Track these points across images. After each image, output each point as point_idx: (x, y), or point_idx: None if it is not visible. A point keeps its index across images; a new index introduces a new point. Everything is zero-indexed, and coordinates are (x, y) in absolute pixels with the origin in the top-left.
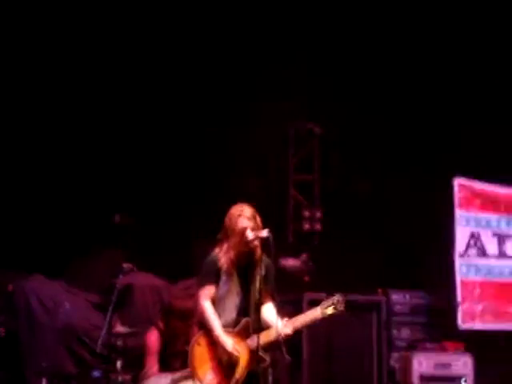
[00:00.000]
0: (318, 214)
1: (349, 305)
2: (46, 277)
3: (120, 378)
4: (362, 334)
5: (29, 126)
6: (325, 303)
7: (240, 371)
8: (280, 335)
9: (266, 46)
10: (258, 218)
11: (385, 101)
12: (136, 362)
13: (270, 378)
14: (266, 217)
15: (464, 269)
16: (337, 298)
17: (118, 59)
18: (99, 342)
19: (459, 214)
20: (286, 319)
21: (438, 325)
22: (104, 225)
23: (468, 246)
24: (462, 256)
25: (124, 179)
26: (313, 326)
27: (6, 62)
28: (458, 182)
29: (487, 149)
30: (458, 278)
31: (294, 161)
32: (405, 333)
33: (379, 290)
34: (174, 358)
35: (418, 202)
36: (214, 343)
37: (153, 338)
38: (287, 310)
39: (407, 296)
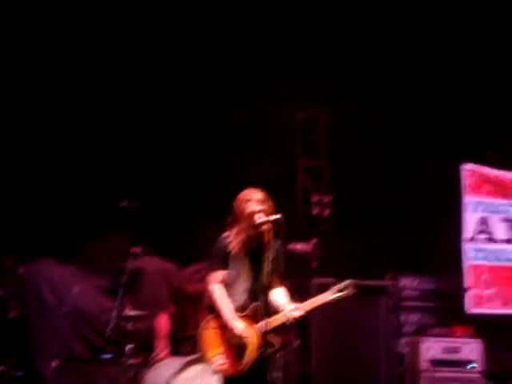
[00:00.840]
0: (327, 199)
1: (358, 289)
2: (56, 261)
3: (130, 362)
4: (371, 319)
5: (39, 110)
6: (334, 288)
7: (250, 355)
8: (289, 319)
9: (276, 32)
10: (270, 202)
11: (393, 85)
12: (146, 346)
13: (280, 361)
14: (276, 202)
15: (472, 254)
16: (346, 282)
17: (126, 47)
18: (109, 325)
19: (468, 199)
20: (295, 303)
21: (447, 310)
22: (113, 209)
23: (476, 232)
24: (470, 241)
25: (134, 163)
26: (322, 310)
27: (9, 52)
28: (466, 168)
29: (496, 134)
30: (467, 263)
31: (303, 146)
32: (413, 318)
33: (388, 275)
34: (184, 341)
35: (428, 188)
36: (224, 327)
37: (163, 322)
38: (296, 294)
39: (416, 281)
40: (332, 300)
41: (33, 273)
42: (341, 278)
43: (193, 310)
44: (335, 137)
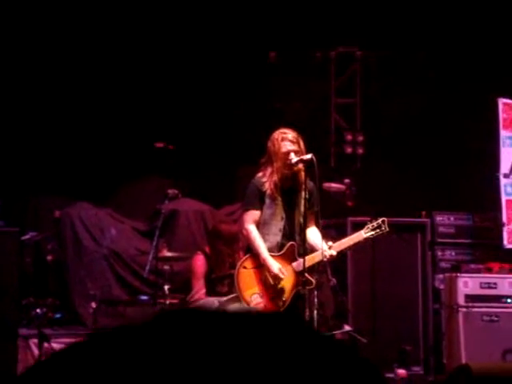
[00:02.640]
0: (360, 138)
1: (392, 227)
2: (93, 204)
3: (167, 303)
4: (407, 256)
5: (73, 63)
6: (369, 226)
7: (286, 293)
8: (325, 257)
9: None
10: (302, 142)
11: (427, 22)
12: (183, 287)
13: (316, 300)
14: (309, 141)
15: (509, 189)
16: (379, 220)
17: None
18: (146, 267)
19: (504, 134)
20: (330, 242)
21: (483, 246)
22: (149, 151)
23: None
24: (506, 177)
25: (168, 105)
26: (357, 249)
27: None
28: (502, 102)
29: None
30: (503, 199)
31: (336, 84)
32: (449, 254)
33: (423, 212)
34: (221, 281)
35: (463, 123)
36: (260, 266)
37: (199, 263)
38: (331, 234)
39: (451, 217)
40: (366, 238)
41: (69, 216)
42: (376, 217)
43: (228, 249)
44: (369, 74)
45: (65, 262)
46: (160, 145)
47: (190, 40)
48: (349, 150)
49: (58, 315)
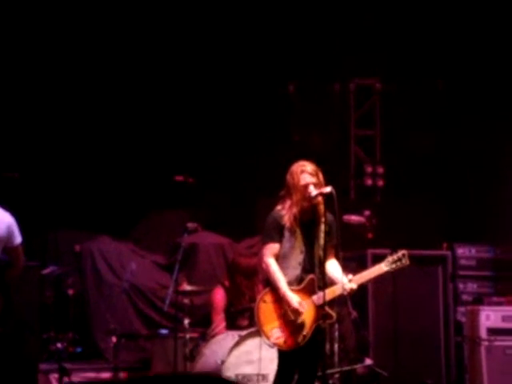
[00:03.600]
0: (380, 170)
1: (413, 259)
2: (112, 238)
3: (187, 336)
4: (428, 289)
5: (95, 92)
6: (389, 259)
7: (306, 327)
8: (345, 291)
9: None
10: (321, 175)
11: (447, 54)
12: (203, 320)
13: (337, 333)
14: (328, 173)
15: None
16: (400, 254)
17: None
18: (166, 301)
19: None
20: (350, 275)
21: (505, 278)
22: (168, 185)
23: None
24: None
25: (186, 140)
26: (378, 281)
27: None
28: None
29: None
30: None
31: (356, 116)
32: (471, 287)
33: (444, 245)
34: (241, 315)
35: (483, 154)
36: (279, 300)
37: (219, 296)
38: (351, 266)
39: (473, 250)
40: (387, 271)
41: (90, 250)
42: (396, 249)
43: (248, 283)
44: (388, 106)
45: (85, 296)
46: (180, 178)
47: (210, 72)
48: (369, 182)
49: (78, 349)
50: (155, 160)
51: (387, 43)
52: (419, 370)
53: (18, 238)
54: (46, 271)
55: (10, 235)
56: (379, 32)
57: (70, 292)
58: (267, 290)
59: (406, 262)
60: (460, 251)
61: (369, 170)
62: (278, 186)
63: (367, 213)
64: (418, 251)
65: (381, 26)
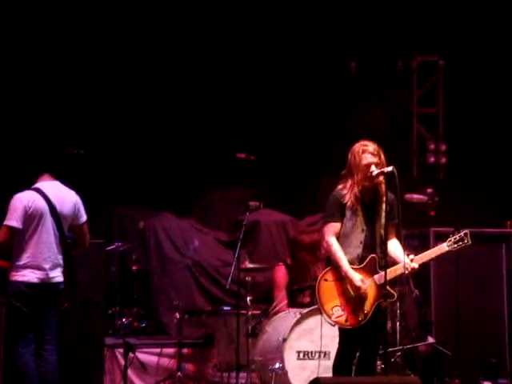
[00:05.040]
0: (443, 147)
1: (476, 238)
2: (176, 215)
3: (250, 313)
4: (492, 267)
5: (159, 72)
6: (451, 238)
7: (368, 306)
8: (407, 270)
9: None
10: (382, 154)
11: (508, 31)
12: (265, 297)
13: (398, 312)
14: (391, 151)
15: None
16: (463, 233)
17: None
18: (229, 278)
19: None
20: (412, 255)
21: None
22: (231, 162)
23: None
24: None
25: (249, 117)
26: (440, 260)
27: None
28: None
29: None
30: None
31: (418, 94)
32: None
33: (508, 222)
34: (302, 293)
35: None
36: (341, 279)
37: (280, 274)
38: (413, 244)
39: None
40: (449, 251)
41: (153, 227)
42: (459, 227)
43: (311, 257)
44: (451, 83)
45: (149, 272)
46: (242, 155)
47: (274, 51)
48: (431, 159)
49: (143, 324)
50: (217, 137)
51: (451, 19)
52: (482, 349)
53: (83, 217)
54: (110, 247)
55: (76, 213)
56: (443, 8)
57: (135, 268)
58: (328, 268)
59: (468, 241)
60: None
61: (431, 147)
62: (340, 164)
63: (430, 190)
64: (480, 229)
65: (445, 2)
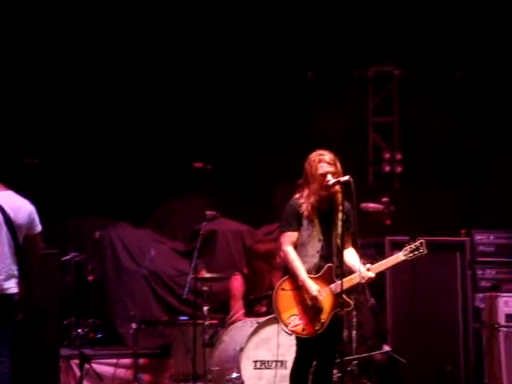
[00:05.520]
0: (399, 156)
1: (432, 246)
2: (132, 224)
3: (207, 323)
4: (446, 276)
5: (117, 77)
6: (407, 247)
7: (325, 315)
8: (363, 279)
9: None
10: (339, 164)
11: (466, 39)
12: (222, 307)
13: (354, 320)
14: (346, 160)
15: None
16: (419, 242)
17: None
18: (185, 287)
19: None
20: (368, 264)
21: None
22: (186, 172)
23: None
24: None
25: (205, 126)
26: (396, 269)
27: None
28: None
29: None
30: None
31: (374, 103)
32: (489, 273)
33: (462, 231)
34: (259, 302)
35: (500, 140)
36: (298, 288)
37: (237, 283)
38: (369, 253)
39: (491, 236)
40: (405, 260)
41: (109, 236)
42: (414, 236)
43: (265, 269)
44: (407, 93)
45: (105, 282)
46: (198, 164)
47: (229, 59)
48: (387, 168)
49: (99, 335)
50: (174, 147)
51: (406, 30)
52: (437, 356)
53: (38, 227)
54: (66, 258)
55: (30, 223)
56: (398, 19)
57: (91, 278)
58: (286, 277)
59: (424, 250)
60: (478, 237)
61: (387, 156)
62: (296, 173)
63: (385, 199)
64: (436, 238)
65: (400, 13)
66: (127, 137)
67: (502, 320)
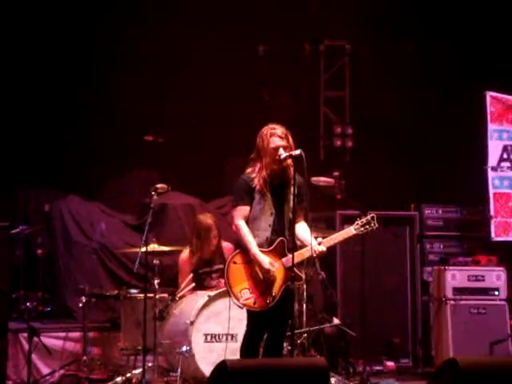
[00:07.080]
0: (350, 131)
1: (381, 220)
2: (82, 198)
3: (157, 297)
4: (396, 249)
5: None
6: (358, 222)
7: (276, 289)
8: (314, 253)
9: None
10: (290, 137)
11: (416, 14)
12: (173, 280)
13: (305, 294)
14: (298, 134)
15: (497, 182)
16: (369, 217)
17: None
18: (136, 261)
19: (492, 127)
20: (320, 238)
21: (471, 238)
22: (137, 145)
23: (501, 160)
24: (494, 169)
25: (157, 99)
26: (346, 242)
27: None
28: (490, 95)
29: None
30: (491, 192)
31: (325, 78)
32: (437, 247)
33: (411, 205)
34: (210, 276)
35: (450, 116)
36: (250, 261)
37: (187, 257)
38: (320, 227)
39: (440, 210)
40: (356, 234)
41: (59, 209)
42: (364, 210)
43: (217, 244)
44: (357, 68)
45: (55, 256)
46: (149, 138)
47: (177, 34)
48: (338, 142)
49: (47, 309)
50: (125, 120)
51: (357, 4)
52: (386, 329)
53: None
54: (15, 231)
55: None
56: None
57: (40, 251)
58: (237, 251)
59: (375, 225)
60: (427, 212)
61: (338, 130)
62: (248, 146)
63: (336, 173)
64: (385, 212)
65: None
66: (78, 109)
67: (449, 293)
